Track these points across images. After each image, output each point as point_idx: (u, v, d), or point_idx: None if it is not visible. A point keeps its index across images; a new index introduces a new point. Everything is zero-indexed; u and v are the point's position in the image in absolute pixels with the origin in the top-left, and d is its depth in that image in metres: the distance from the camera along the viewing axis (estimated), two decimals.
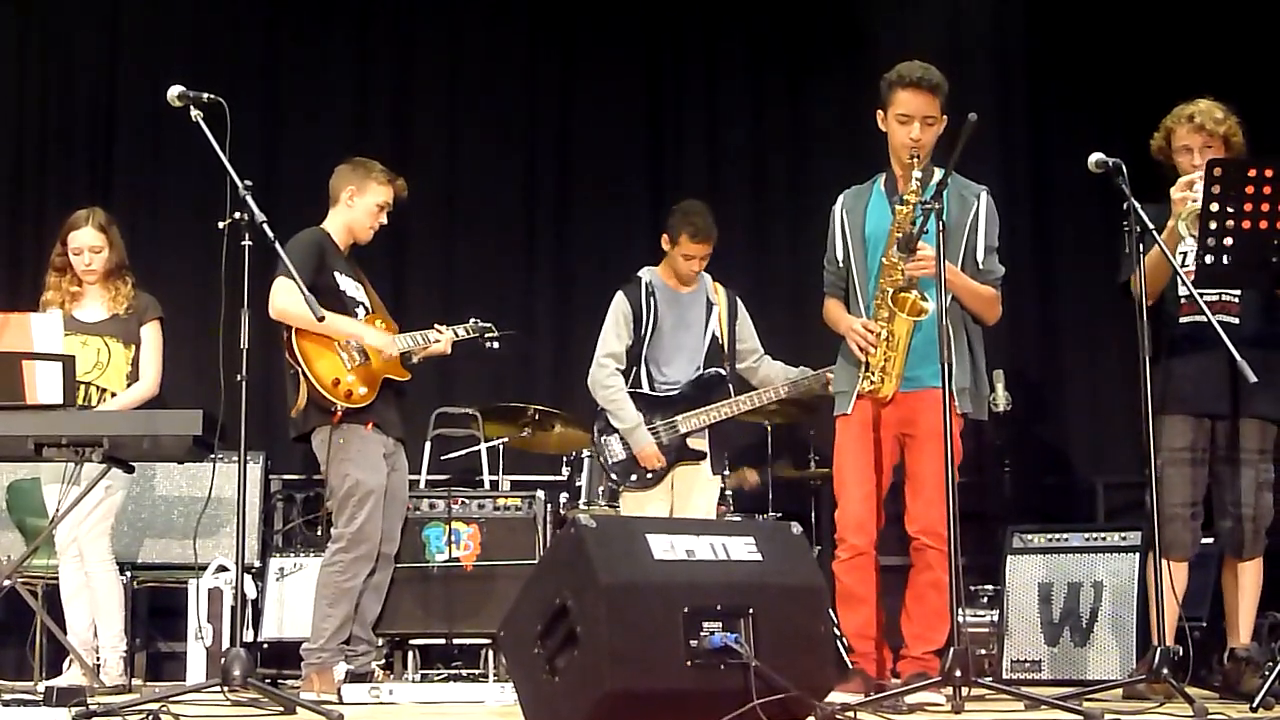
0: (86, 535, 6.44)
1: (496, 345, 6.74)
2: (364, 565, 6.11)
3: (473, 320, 6.66)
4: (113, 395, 6.52)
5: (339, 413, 6.05)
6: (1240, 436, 5.63)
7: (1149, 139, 5.83)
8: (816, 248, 5.85)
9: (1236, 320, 5.56)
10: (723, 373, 6.61)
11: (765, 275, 9.03)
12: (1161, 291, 5.59)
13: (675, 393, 6.55)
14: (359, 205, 6.37)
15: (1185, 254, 5.43)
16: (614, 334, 6.67)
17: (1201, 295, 5.23)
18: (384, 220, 6.47)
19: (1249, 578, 5.71)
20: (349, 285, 6.30)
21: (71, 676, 6.36)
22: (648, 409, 6.53)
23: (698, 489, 6.50)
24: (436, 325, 6.49)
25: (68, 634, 6.41)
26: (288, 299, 5.87)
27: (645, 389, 6.56)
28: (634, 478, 6.52)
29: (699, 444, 6.52)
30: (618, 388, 6.62)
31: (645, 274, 6.73)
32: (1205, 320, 5.24)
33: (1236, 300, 5.61)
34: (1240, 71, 8.65)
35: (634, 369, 6.63)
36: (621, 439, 6.54)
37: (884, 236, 5.48)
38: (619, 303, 6.68)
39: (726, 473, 6.95)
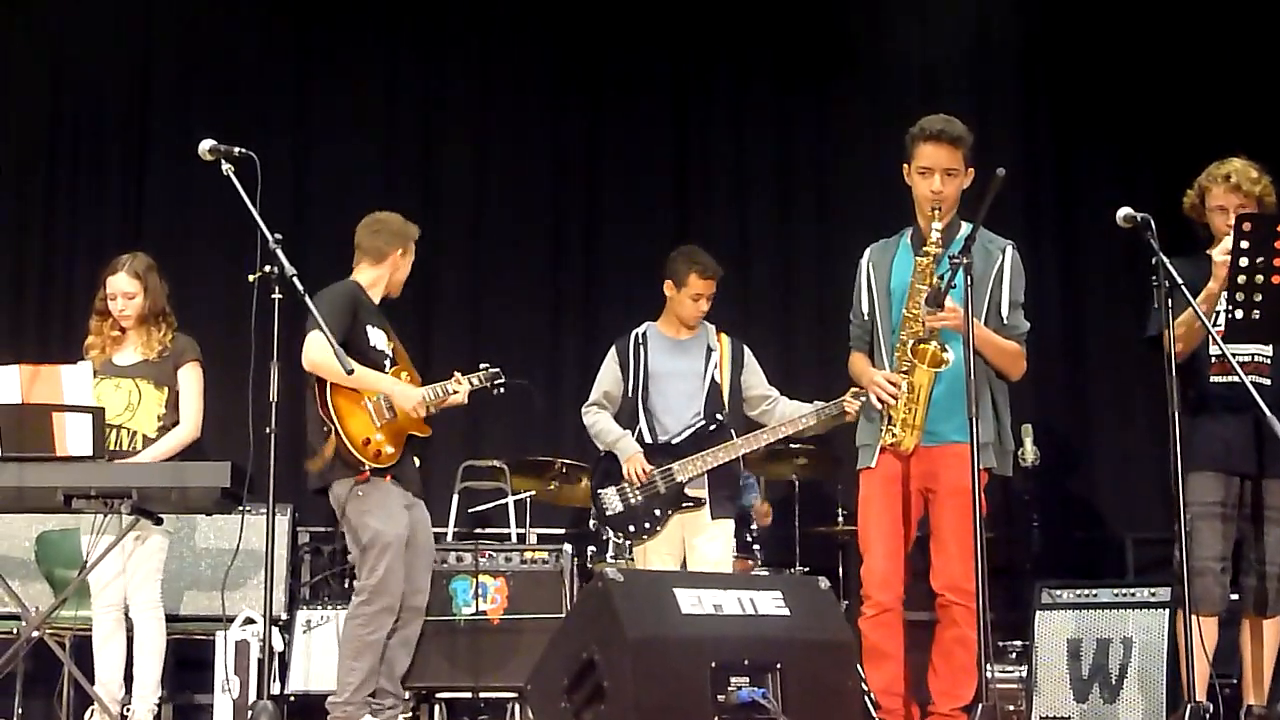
0: (131, 583, 6.46)
1: (503, 391, 6.74)
2: (386, 617, 6.09)
3: (483, 367, 6.67)
4: (144, 438, 6.51)
5: (366, 472, 6.06)
6: (1266, 494, 5.60)
7: (1180, 193, 5.82)
8: (843, 287, 5.85)
9: (1268, 381, 5.54)
10: (720, 418, 6.60)
11: (792, 315, 9.06)
12: (1193, 349, 5.57)
13: (674, 441, 6.53)
14: (399, 262, 6.48)
15: (1218, 312, 5.42)
16: (599, 382, 6.79)
17: (1235, 355, 5.21)
18: (408, 270, 6.54)
19: (1272, 636, 5.65)
20: (378, 338, 6.32)
21: None
22: (648, 457, 6.53)
23: (703, 537, 6.49)
24: (456, 375, 6.50)
25: (95, 685, 6.40)
26: (321, 352, 5.87)
27: (646, 439, 6.56)
28: (632, 529, 6.52)
29: (697, 491, 6.51)
30: (597, 419, 6.71)
31: (642, 327, 6.78)
32: (1237, 380, 5.23)
33: (1269, 361, 5.59)
34: (1266, 122, 8.68)
35: (635, 420, 6.62)
36: (617, 492, 6.53)
37: (908, 290, 5.48)
38: (609, 354, 6.80)
39: (753, 524, 6.93)
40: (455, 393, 6.44)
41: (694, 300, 6.64)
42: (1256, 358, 5.58)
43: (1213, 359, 5.62)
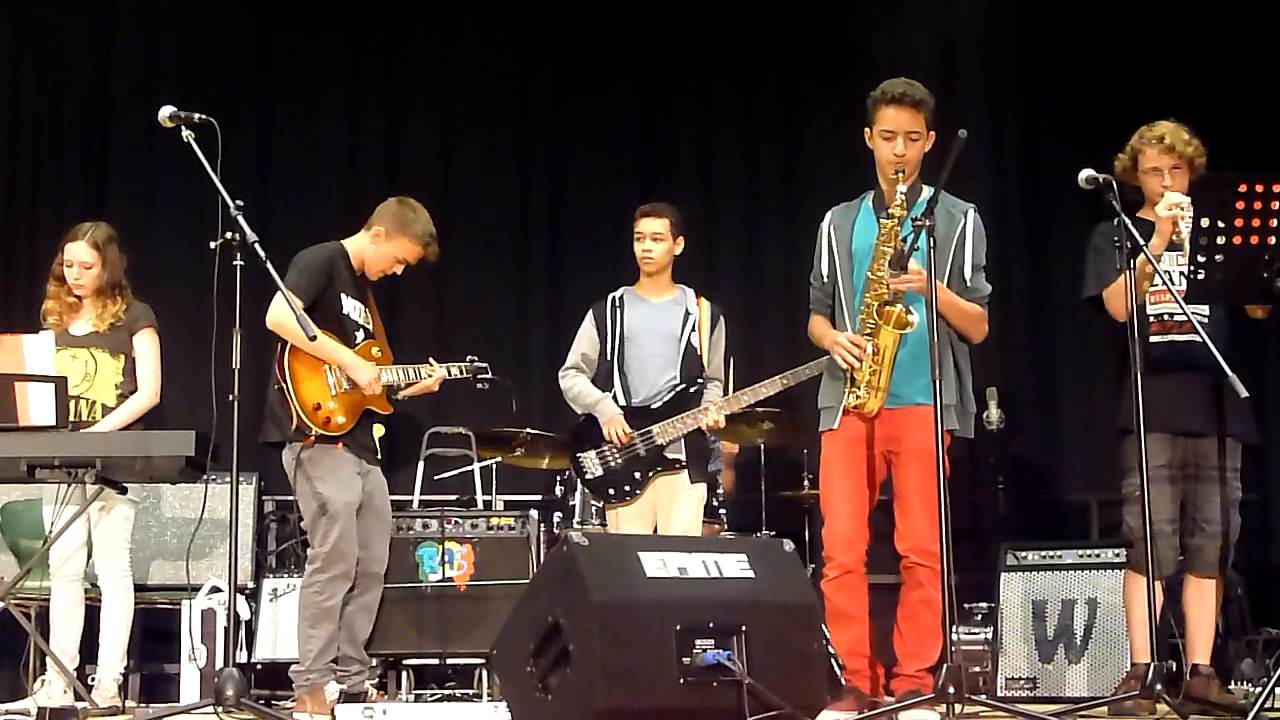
0: (97, 552, 6.45)
1: (486, 387, 6.73)
2: (341, 584, 6.07)
3: (469, 359, 6.64)
4: (103, 406, 6.49)
5: (313, 437, 6.03)
6: (1214, 455, 5.65)
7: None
8: (808, 263, 5.86)
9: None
10: (700, 381, 6.59)
11: (758, 291, 9.06)
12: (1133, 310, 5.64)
13: (651, 405, 6.52)
14: (381, 248, 6.32)
15: (1169, 273, 5.47)
16: (575, 345, 6.73)
17: (1173, 315, 5.26)
18: (398, 271, 6.45)
19: (1212, 595, 5.75)
20: (353, 307, 6.26)
21: (56, 696, 6.33)
22: (625, 420, 6.51)
23: (678, 500, 6.47)
24: (431, 360, 6.47)
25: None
26: (284, 312, 5.83)
27: (622, 401, 6.55)
28: (612, 492, 6.50)
29: (676, 453, 6.50)
30: (575, 382, 6.65)
31: (619, 291, 6.75)
32: (1176, 339, 5.31)
33: (1206, 320, 5.63)
34: (1226, 89, 8.72)
35: (610, 383, 6.61)
36: (597, 455, 6.52)
37: (871, 252, 5.49)
38: (586, 318, 6.74)
39: (719, 488, 6.93)
40: (427, 378, 6.41)
41: (638, 240, 6.60)
42: (1195, 317, 5.61)
43: (1151, 319, 5.69)
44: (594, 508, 7.00)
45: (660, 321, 6.64)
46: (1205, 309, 5.62)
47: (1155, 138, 5.74)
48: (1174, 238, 5.33)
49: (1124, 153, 5.86)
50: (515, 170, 9.42)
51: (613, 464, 6.50)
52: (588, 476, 6.55)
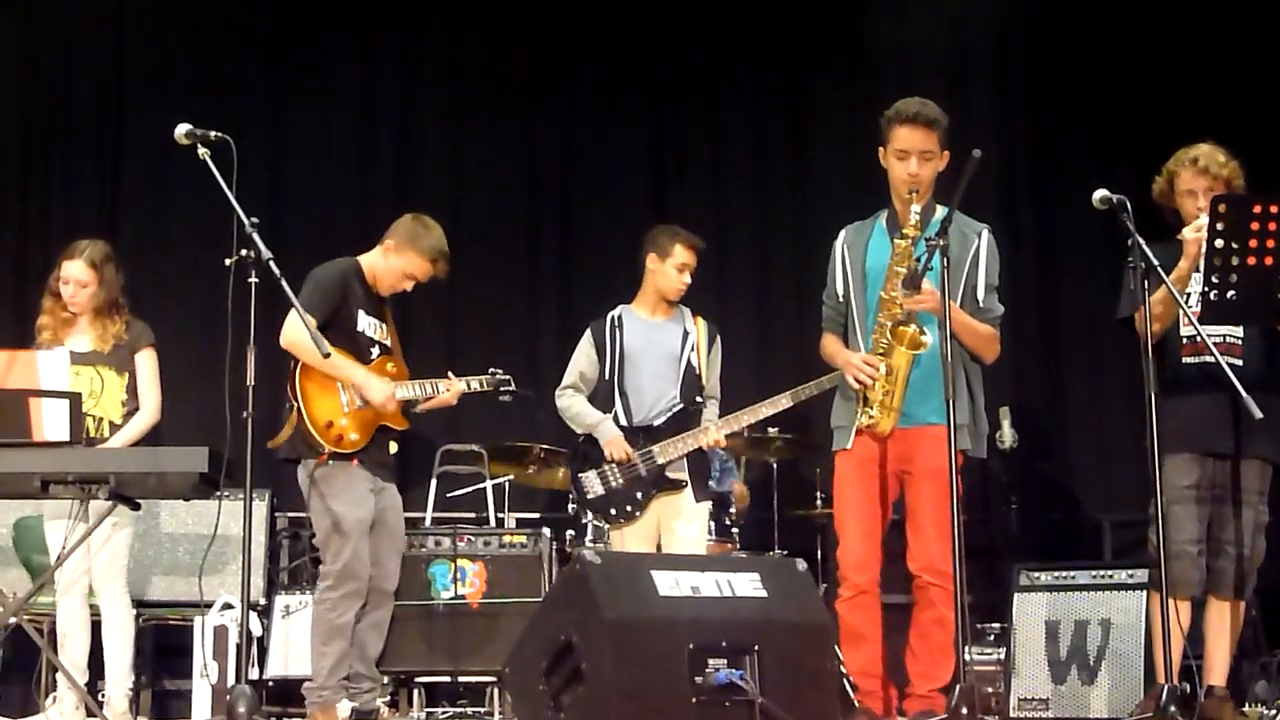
0: (102, 572, 6.45)
1: (510, 399, 6.73)
2: (353, 601, 6.07)
3: (491, 371, 6.64)
4: (111, 424, 6.50)
5: (325, 454, 6.04)
6: (1241, 477, 5.64)
7: (1151, 178, 5.85)
8: (820, 280, 5.86)
9: (1240, 361, 5.57)
10: (699, 400, 6.59)
11: (768, 307, 9.06)
12: (1165, 331, 5.60)
13: (652, 424, 6.52)
14: (390, 262, 6.32)
15: (1189, 294, 5.46)
16: (573, 364, 6.76)
17: (1208, 336, 5.25)
18: (408, 288, 6.45)
19: (1234, 618, 5.73)
20: (368, 324, 6.26)
21: (68, 712, 6.32)
22: (626, 440, 6.51)
23: (682, 518, 6.49)
24: (450, 374, 6.47)
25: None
26: (297, 331, 5.83)
27: (623, 420, 6.55)
28: (614, 512, 6.51)
29: (678, 473, 6.50)
30: (573, 402, 6.68)
31: (616, 309, 6.75)
32: (1208, 360, 5.28)
33: (1240, 341, 5.63)
34: (1241, 107, 8.70)
35: (611, 402, 6.61)
36: (598, 475, 6.52)
37: (884, 271, 5.49)
38: (584, 337, 6.76)
39: (730, 499, 6.92)
40: (445, 393, 6.41)
41: (679, 271, 6.60)
42: (1228, 338, 5.61)
43: (1184, 340, 5.67)
44: (605, 527, 7.00)
45: (659, 341, 6.65)
46: (1239, 330, 5.61)
47: (1189, 160, 5.71)
48: (1202, 260, 5.31)
49: (1161, 175, 5.83)
50: (526, 184, 9.42)
51: (614, 484, 6.50)
52: (589, 497, 6.55)
